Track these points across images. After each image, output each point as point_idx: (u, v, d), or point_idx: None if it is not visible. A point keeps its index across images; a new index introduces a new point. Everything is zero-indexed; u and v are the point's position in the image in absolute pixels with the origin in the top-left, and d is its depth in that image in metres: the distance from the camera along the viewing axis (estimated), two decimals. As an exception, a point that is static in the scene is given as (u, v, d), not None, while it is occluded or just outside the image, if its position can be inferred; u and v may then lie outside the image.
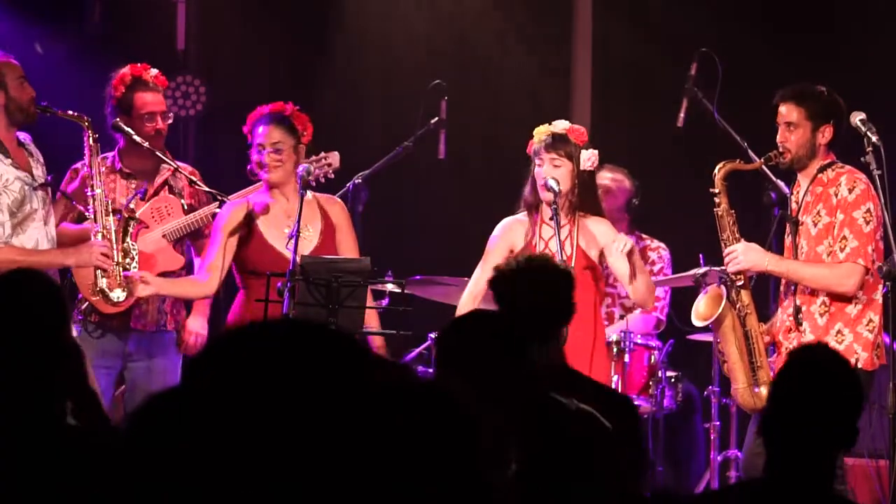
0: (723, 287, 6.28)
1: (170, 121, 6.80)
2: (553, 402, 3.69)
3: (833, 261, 6.15)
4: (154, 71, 6.78)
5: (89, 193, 6.38)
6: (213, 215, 6.65)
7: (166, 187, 6.81)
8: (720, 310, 6.20)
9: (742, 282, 6.28)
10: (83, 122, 6.39)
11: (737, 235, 6.28)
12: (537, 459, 3.72)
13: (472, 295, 6.40)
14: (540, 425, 3.70)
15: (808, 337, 6.18)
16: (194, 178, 6.74)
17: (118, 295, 6.36)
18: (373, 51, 9.26)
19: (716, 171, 6.29)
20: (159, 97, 6.76)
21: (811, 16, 8.91)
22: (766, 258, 6.24)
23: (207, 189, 6.69)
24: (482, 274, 6.33)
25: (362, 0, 9.33)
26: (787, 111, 6.24)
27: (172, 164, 6.76)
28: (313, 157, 6.56)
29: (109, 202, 6.41)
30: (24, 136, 6.35)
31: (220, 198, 6.66)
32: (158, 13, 8.94)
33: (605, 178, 7.80)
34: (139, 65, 6.77)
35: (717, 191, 6.27)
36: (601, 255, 6.41)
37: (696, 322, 6.33)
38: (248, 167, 6.52)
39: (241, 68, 9.03)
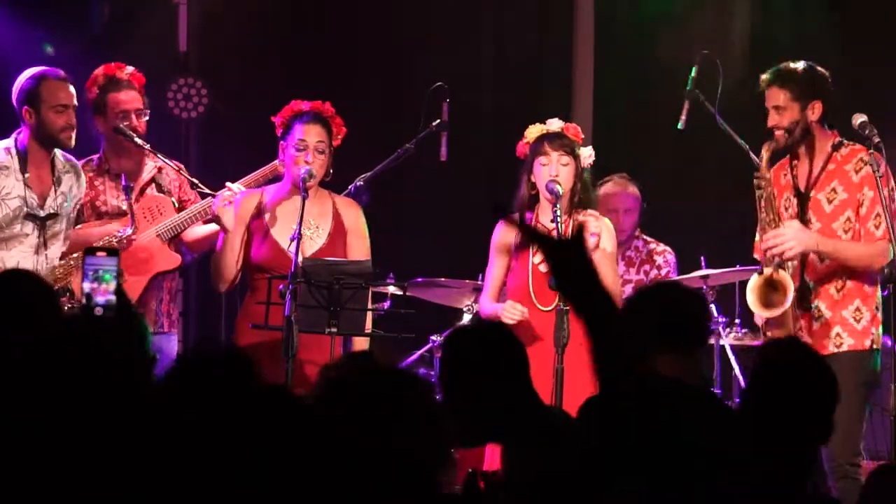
0: (787, 276, 6.09)
1: (146, 117, 6.67)
2: None
3: (867, 237, 6.08)
4: (130, 69, 6.68)
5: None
6: (207, 211, 6.61)
7: (153, 185, 6.75)
8: (787, 303, 6.05)
9: (790, 265, 6.14)
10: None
11: (783, 218, 6.18)
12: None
13: (491, 293, 6.39)
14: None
15: (826, 314, 6.14)
16: (196, 182, 6.70)
17: None
18: (374, 52, 9.25)
19: (762, 153, 6.17)
20: (133, 94, 6.65)
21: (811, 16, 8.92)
22: (816, 238, 6.11)
23: (208, 191, 6.64)
24: (494, 274, 6.35)
25: (363, 1, 9.33)
26: (773, 95, 6.21)
27: (169, 163, 6.72)
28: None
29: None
30: (68, 157, 6.30)
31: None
32: (160, 15, 8.94)
33: (628, 188, 7.80)
34: (114, 64, 6.70)
35: (767, 176, 6.18)
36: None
37: (762, 313, 6.12)
38: (280, 160, 6.46)
39: (242, 70, 9.02)
